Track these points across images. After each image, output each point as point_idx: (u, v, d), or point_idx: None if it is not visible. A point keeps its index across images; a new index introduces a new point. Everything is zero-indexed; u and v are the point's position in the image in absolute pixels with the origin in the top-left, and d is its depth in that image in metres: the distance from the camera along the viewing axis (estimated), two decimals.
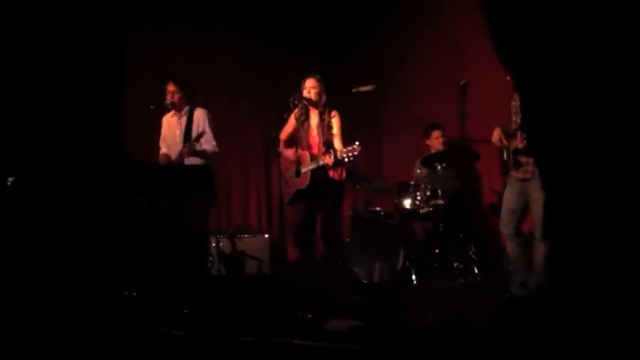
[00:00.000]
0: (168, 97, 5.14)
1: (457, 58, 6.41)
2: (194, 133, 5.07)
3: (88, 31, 6.08)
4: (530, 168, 4.20)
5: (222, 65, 7.19)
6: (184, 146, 4.99)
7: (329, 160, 4.24)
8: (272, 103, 6.61)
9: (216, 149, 5.13)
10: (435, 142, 5.97)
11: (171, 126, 5.26)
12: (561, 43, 2.42)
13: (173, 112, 5.25)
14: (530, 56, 2.55)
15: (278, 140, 4.82)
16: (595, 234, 2.38)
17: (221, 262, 5.94)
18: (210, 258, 5.91)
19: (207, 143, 5.09)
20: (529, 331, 3.28)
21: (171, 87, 5.15)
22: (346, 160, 4.17)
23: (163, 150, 5.28)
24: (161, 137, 5.35)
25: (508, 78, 3.10)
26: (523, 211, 4.32)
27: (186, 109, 5.19)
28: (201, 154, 5.05)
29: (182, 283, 4.62)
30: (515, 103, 4.34)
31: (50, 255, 4.83)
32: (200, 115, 5.16)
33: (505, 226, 4.39)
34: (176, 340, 3.55)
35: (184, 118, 5.16)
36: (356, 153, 4.14)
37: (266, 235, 6.46)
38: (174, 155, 5.10)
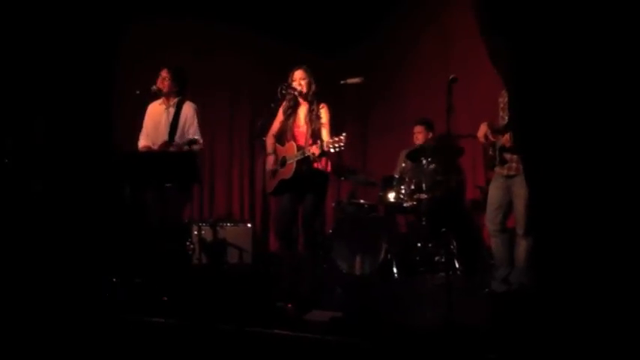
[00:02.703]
0: (158, 82, 5.02)
1: (446, 55, 6.45)
2: (180, 127, 4.97)
3: (82, 24, 6.01)
4: (514, 165, 4.23)
5: (215, 59, 7.17)
6: (172, 145, 4.90)
7: (315, 150, 4.21)
8: (260, 94, 6.59)
9: (202, 146, 5.10)
10: (415, 137, 6.06)
11: (156, 115, 5.11)
12: (550, 42, 2.42)
13: (161, 100, 5.11)
14: (519, 55, 2.55)
15: (264, 130, 4.78)
16: (578, 230, 2.39)
17: (203, 250, 5.91)
18: (192, 246, 5.87)
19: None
20: (511, 326, 3.30)
21: (163, 73, 5.05)
22: (332, 150, 4.14)
23: (143, 142, 5.12)
24: (143, 126, 5.18)
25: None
26: (508, 207, 4.34)
27: (175, 100, 5.07)
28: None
29: (163, 271, 4.59)
30: (503, 99, 4.34)
31: (29, 239, 4.78)
32: (189, 110, 5.05)
33: (490, 221, 4.41)
34: (156, 328, 3.53)
35: (172, 110, 5.03)
36: (342, 144, 4.11)
37: (248, 225, 6.44)
38: (155, 145, 4.99)
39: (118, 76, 6.44)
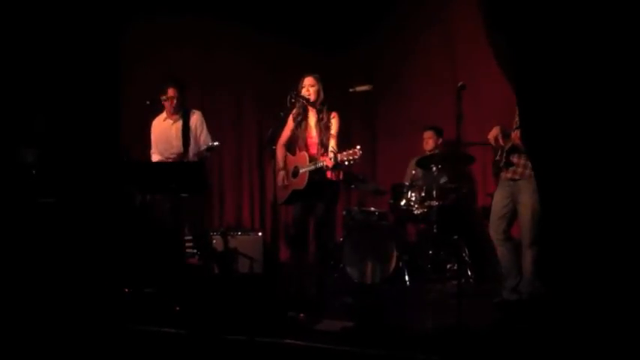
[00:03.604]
0: (166, 100, 5.18)
1: (454, 61, 6.42)
2: (192, 136, 5.16)
3: (84, 25, 6.03)
4: (519, 169, 4.18)
5: (218, 61, 7.15)
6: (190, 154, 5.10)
7: (329, 162, 4.19)
8: (268, 100, 6.59)
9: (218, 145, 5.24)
10: (425, 142, 6.05)
11: (164, 130, 5.28)
12: (559, 46, 2.41)
13: (165, 115, 5.29)
14: (528, 60, 2.54)
15: (274, 139, 4.76)
16: (589, 236, 2.37)
17: (213, 260, 5.91)
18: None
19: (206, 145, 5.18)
20: (522, 334, 3.28)
21: (171, 92, 5.19)
22: (346, 163, 4.13)
23: (156, 158, 5.29)
24: (153, 143, 5.35)
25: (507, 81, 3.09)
26: (512, 215, 4.28)
27: (180, 113, 5.23)
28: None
29: (174, 281, 4.61)
30: None
31: (41, 251, 4.81)
32: (197, 118, 5.25)
33: (494, 230, 4.36)
34: (167, 338, 3.53)
35: (180, 122, 5.20)
36: (357, 157, 4.09)
37: (259, 234, 6.42)
38: (170, 157, 5.18)
39: (119, 77, 6.48)
